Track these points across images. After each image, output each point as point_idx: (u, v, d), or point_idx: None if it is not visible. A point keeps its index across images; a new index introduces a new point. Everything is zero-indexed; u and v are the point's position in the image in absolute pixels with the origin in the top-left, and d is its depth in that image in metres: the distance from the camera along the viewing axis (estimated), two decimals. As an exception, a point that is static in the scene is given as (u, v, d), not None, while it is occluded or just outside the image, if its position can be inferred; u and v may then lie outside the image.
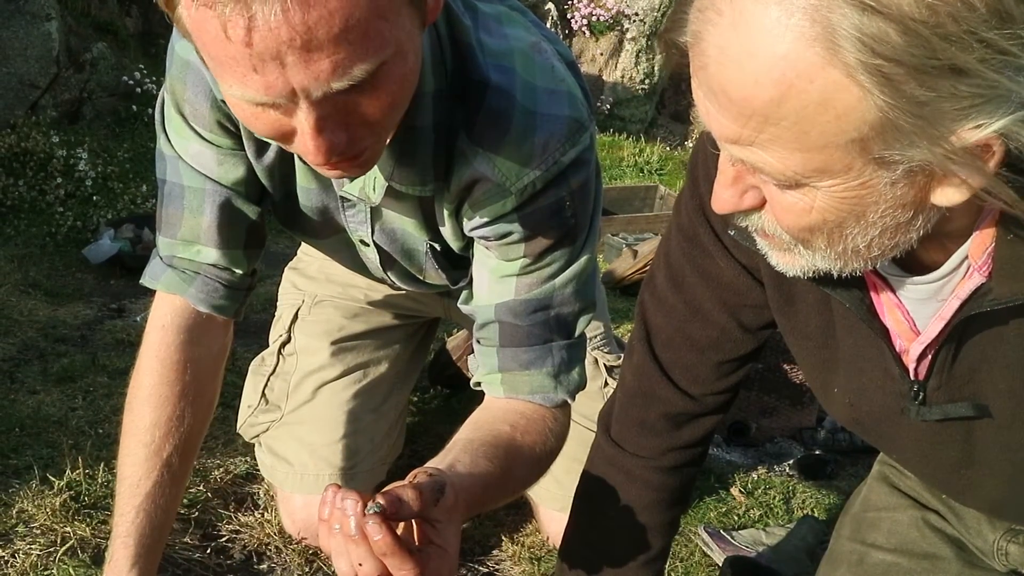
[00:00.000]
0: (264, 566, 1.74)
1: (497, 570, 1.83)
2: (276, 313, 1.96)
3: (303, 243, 1.86)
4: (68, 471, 1.81)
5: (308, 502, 1.74)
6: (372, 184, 1.26)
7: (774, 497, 2.18)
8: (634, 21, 7.15)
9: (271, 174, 1.32)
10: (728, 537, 1.95)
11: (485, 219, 1.23)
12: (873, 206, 0.72)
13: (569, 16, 6.97)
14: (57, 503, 1.72)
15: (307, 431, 1.79)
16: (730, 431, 2.42)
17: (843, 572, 1.29)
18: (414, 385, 2.06)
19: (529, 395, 1.28)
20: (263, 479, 1.91)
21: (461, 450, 1.10)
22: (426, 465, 1.00)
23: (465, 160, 1.20)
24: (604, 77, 7.18)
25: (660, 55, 7.26)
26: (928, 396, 0.93)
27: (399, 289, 1.69)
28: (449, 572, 0.91)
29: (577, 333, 1.32)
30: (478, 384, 1.32)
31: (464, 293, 1.37)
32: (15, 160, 3.52)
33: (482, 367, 1.31)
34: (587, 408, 1.62)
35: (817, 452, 2.40)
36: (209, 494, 1.87)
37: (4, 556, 1.60)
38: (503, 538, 1.89)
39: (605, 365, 1.90)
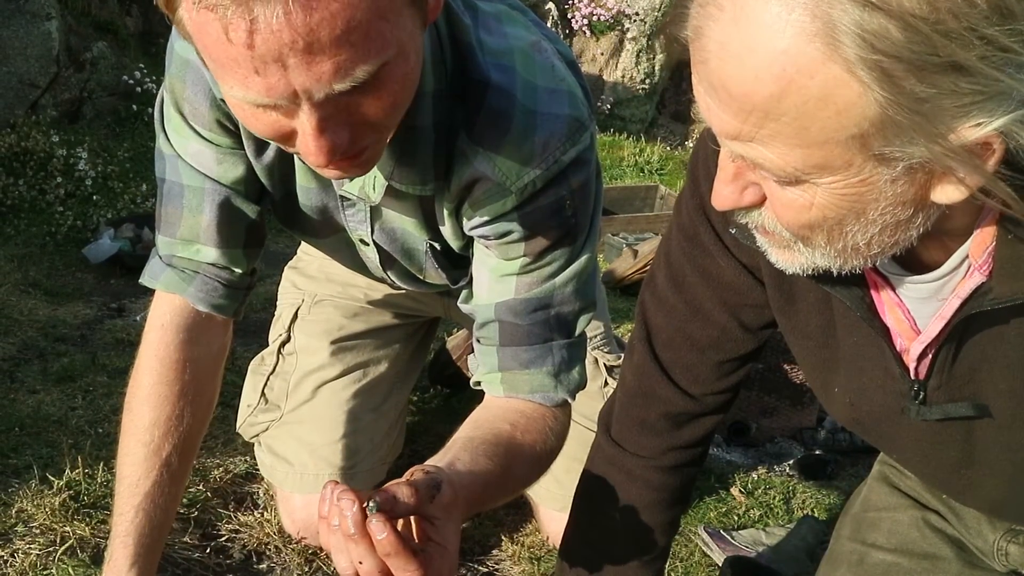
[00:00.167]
0: (264, 566, 1.74)
1: (497, 570, 1.82)
2: (276, 312, 1.95)
3: (303, 242, 1.86)
4: (68, 470, 1.81)
5: (308, 502, 1.74)
6: (372, 183, 1.26)
7: (774, 497, 2.18)
8: (635, 21, 7.14)
9: (270, 173, 1.32)
10: (728, 537, 1.95)
11: (485, 218, 1.23)
12: (873, 203, 0.72)
13: (569, 16, 6.97)
14: (56, 503, 1.72)
15: (307, 431, 1.79)
16: (730, 431, 2.42)
17: (843, 572, 1.28)
18: (414, 384, 2.06)
19: (529, 394, 1.28)
20: (263, 479, 1.90)
21: (461, 448, 1.10)
22: (425, 463, 1.00)
23: (465, 159, 1.19)
24: (604, 77, 7.17)
25: (661, 54, 7.26)
26: (928, 396, 0.92)
27: (399, 288, 1.69)
28: (450, 571, 0.91)
29: (577, 332, 1.32)
30: (478, 383, 1.32)
31: (464, 292, 1.37)
32: (15, 159, 3.51)
33: (482, 366, 1.31)
34: (587, 408, 1.62)
35: (817, 452, 2.40)
36: (208, 494, 1.87)
37: (3, 555, 1.60)
38: (503, 538, 1.89)
39: (605, 365, 1.90)
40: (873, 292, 0.90)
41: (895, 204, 0.72)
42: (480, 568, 1.82)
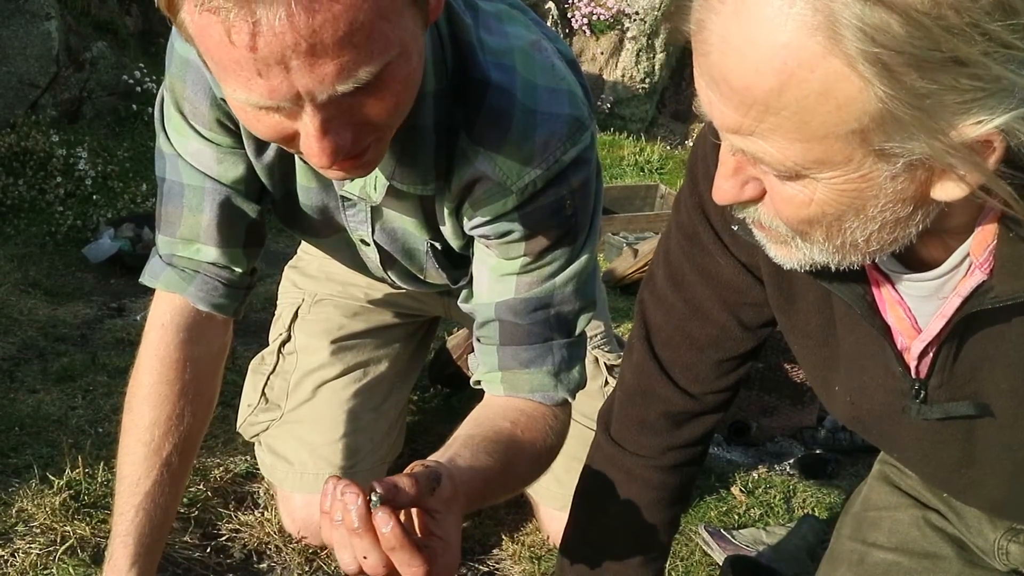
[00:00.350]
0: (264, 565, 1.74)
1: (497, 569, 1.82)
2: (276, 312, 1.95)
3: (303, 242, 1.86)
4: (68, 470, 1.81)
5: (308, 501, 1.74)
6: (373, 183, 1.26)
7: (775, 496, 2.18)
8: (635, 20, 7.14)
9: (271, 173, 1.31)
10: (729, 536, 1.95)
11: (486, 218, 1.23)
12: (873, 200, 0.72)
13: (569, 15, 6.97)
14: (57, 502, 1.72)
15: (307, 430, 1.79)
16: (730, 430, 2.42)
17: (844, 571, 1.28)
18: (414, 384, 2.06)
19: (529, 393, 1.28)
20: (263, 478, 1.90)
21: (461, 445, 1.10)
22: (426, 459, 1.00)
23: (466, 159, 1.19)
24: (604, 76, 7.17)
25: (662, 53, 7.26)
26: (929, 394, 0.92)
27: (399, 288, 1.68)
28: (452, 566, 0.91)
29: (577, 332, 1.32)
30: (478, 383, 1.32)
31: (464, 292, 1.37)
32: (15, 159, 3.51)
33: (482, 365, 1.31)
34: (587, 407, 1.62)
35: (818, 451, 2.40)
36: (209, 493, 1.87)
37: (4, 555, 1.60)
38: (503, 537, 1.89)
39: (605, 364, 1.90)
40: (874, 290, 0.90)
41: (895, 201, 0.72)
42: (480, 567, 1.82)
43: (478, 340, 1.32)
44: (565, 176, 1.20)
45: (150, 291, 1.38)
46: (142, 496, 1.31)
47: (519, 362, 1.28)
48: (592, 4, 6.97)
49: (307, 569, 1.72)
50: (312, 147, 0.94)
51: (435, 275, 1.47)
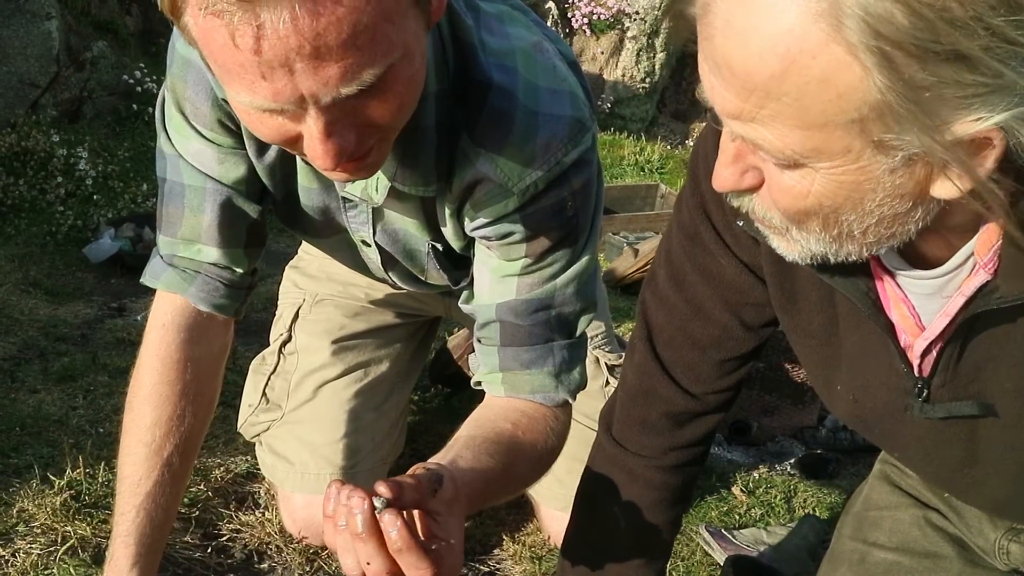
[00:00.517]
0: (265, 565, 1.74)
1: (498, 569, 1.83)
2: (277, 312, 1.95)
3: (304, 242, 1.86)
4: (69, 470, 1.81)
5: (309, 501, 1.74)
6: (375, 185, 1.26)
7: (775, 496, 2.18)
8: (635, 20, 7.14)
9: (272, 173, 1.31)
10: (729, 536, 1.95)
11: (487, 219, 1.23)
12: (871, 194, 0.72)
13: (570, 15, 6.97)
14: (58, 502, 1.72)
15: (308, 430, 1.79)
16: (731, 430, 2.42)
17: (844, 571, 1.28)
18: (415, 384, 2.06)
19: (530, 394, 1.28)
20: (264, 478, 1.90)
21: (463, 446, 1.10)
22: (428, 461, 1.00)
23: (467, 160, 1.19)
24: (605, 76, 7.17)
25: (662, 53, 7.26)
26: (932, 393, 0.92)
27: (400, 289, 1.68)
28: (457, 567, 0.91)
29: (578, 333, 1.32)
30: (479, 383, 1.32)
31: (465, 293, 1.37)
32: (15, 159, 3.51)
33: (483, 366, 1.31)
34: (588, 407, 1.62)
35: (818, 451, 2.40)
36: (210, 493, 1.87)
37: (5, 555, 1.60)
38: (504, 537, 1.89)
39: (606, 364, 1.90)
40: (879, 287, 0.90)
41: (893, 196, 0.72)
42: (481, 567, 1.82)
43: (479, 341, 1.32)
44: (566, 177, 1.20)
45: (151, 291, 1.38)
46: (143, 496, 1.31)
47: (520, 363, 1.28)
48: (592, 4, 6.97)
49: (308, 569, 1.72)
50: (316, 149, 0.94)
51: (436, 276, 1.47)
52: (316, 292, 1.89)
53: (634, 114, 7.30)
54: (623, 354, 1.83)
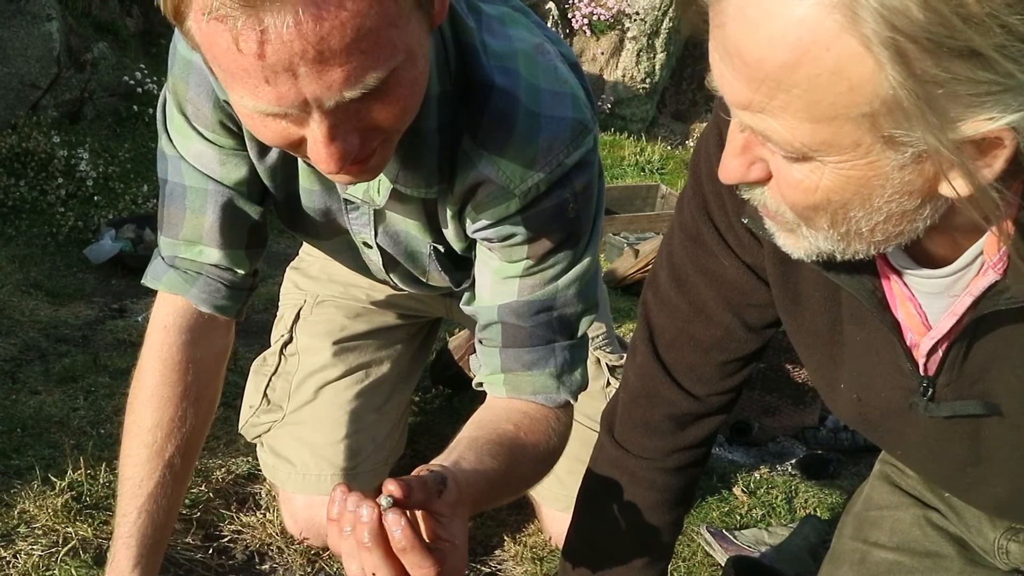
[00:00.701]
0: (266, 566, 1.74)
1: (500, 570, 1.83)
2: (278, 313, 1.96)
3: (305, 243, 1.86)
4: (70, 471, 1.81)
5: (310, 502, 1.74)
6: (377, 187, 1.26)
7: (776, 496, 2.18)
8: (635, 20, 7.14)
9: (273, 175, 1.31)
10: (731, 537, 1.95)
11: (488, 221, 1.23)
12: (879, 190, 0.71)
13: (570, 15, 6.97)
14: (59, 504, 1.72)
15: (309, 431, 1.79)
16: (732, 431, 2.42)
17: (845, 571, 1.28)
18: (416, 385, 2.06)
19: (531, 395, 1.28)
20: (265, 479, 1.91)
21: (465, 448, 1.10)
22: (430, 463, 1.00)
23: (469, 162, 1.19)
24: (605, 76, 7.17)
25: (662, 53, 7.26)
26: (937, 392, 0.92)
27: (401, 290, 1.69)
28: (461, 568, 0.91)
29: (579, 334, 1.32)
30: (480, 384, 1.32)
31: (466, 294, 1.37)
32: (16, 160, 3.51)
33: (484, 367, 1.31)
34: (590, 408, 1.62)
35: (819, 451, 2.40)
36: (211, 494, 1.87)
37: (6, 557, 1.60)
38: (505, 538, 1.89)
39: (607, 365, 1.90)
40: (885, 285, 0.90)
41: (902, 193, 0.71)
42: (483, 568, 1.82)
43: (480, 342, 1.32)
44: (568, 179, 1.20)
45: (151, 292, 1.38)
46: (144, 498, 1.31)
47: (521, 364, 1.28)
48: (592, 4, 6.97)
49: (309, 570, 1.72)
50: (320, 153, 0.94)
51: (437, 278, 1.47)
52: (317, 293, 1.89)
53: (634, 114, 7.30)
54: (624, 355, 1.83)
